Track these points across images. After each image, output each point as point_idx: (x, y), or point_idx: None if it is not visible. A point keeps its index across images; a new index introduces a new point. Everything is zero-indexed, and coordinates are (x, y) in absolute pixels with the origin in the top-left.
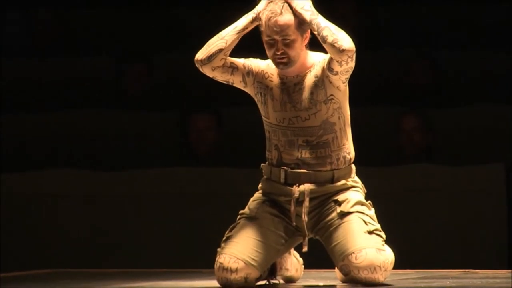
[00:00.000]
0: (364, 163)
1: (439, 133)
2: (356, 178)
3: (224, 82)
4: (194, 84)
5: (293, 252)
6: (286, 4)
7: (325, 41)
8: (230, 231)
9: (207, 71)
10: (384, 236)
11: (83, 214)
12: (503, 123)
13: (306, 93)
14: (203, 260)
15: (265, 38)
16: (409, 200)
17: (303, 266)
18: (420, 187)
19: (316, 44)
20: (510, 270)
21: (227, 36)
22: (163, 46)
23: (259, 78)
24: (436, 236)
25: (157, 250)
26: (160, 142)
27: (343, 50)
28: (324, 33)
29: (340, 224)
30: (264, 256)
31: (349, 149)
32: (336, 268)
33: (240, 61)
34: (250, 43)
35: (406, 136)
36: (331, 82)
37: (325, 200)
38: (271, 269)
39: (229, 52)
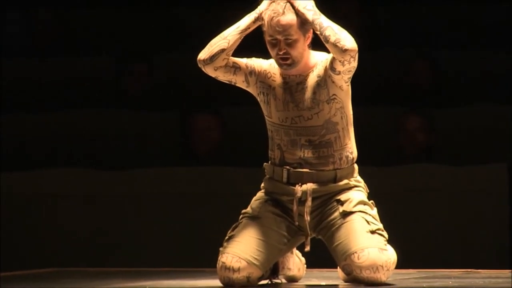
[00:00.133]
0: (365, 163)
1: (439, 133)
2: (359, 178)
3: (227, 82)
4: (194, 84)
5: (296, 251)
6: (288, 4)
7: (327, 41)
8: (233, 230)
9: (209, 71)
10: (386, 235)
11: (83, 214)
12: (503, 123)
13: (308, 93)
14: (203, 260)
15: (267, 38)
16: (410, 200)
17: (305, 265)
18: (421, 187)
19: (318, 43)
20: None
21: (230, 36)
22: (163, 46)
23: (261, 78)
24: (437, 236)
25: (157, 250)
26: (160, 142)
27: (346, 50)
28: (327, 32)
29: (342, 223)
30: (266, 256)
31: (351, 149)
32: (338, 267)
33: (243, 61)
34: (252, 43)
35: (409, 136)
36: (333, 82)
37: (327, 199)
38: (273, 269)
39: (231, 52)
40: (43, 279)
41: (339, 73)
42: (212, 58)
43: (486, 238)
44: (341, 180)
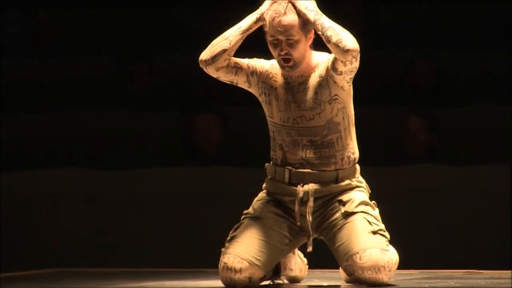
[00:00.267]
0: (366, 163)
1: (439, 133)
2: (361, 178)
3: (228, 83)
4: (194, 84)
5: (297, 252)
6: (290, 4)
7: (329, 41)
8: (234, 231)
9: (211, 71)
10: (388, 236)
11: (83, 214)
12: (503, 123)
13: (310, 93)
14: (203, 260)
15: (269, 39)
16: (411, 200)
17: (307, 266)
18: (422, 187)
19: (320, 44)
20: None
21: (231, 36)
22: (163, 46)
23: (263, 78)
24: (439, 237)
25: (157, 250)
26: (160, 142)
27: (348, 50)
28: (328, 33)
29: (344, 224)
30: (268, 256)
31: (353, 149)
32: (340, 268)
33: (244, 61)
34: (254, 43)
35: (411, 136)
36: (335, 82)
37: (329, 200)
38: (275, 269)
39: (233, 53)
40: (43, 280)
41: (341, 73)
42: (214, 59)
43: (487, 238)
44: (343, 181)
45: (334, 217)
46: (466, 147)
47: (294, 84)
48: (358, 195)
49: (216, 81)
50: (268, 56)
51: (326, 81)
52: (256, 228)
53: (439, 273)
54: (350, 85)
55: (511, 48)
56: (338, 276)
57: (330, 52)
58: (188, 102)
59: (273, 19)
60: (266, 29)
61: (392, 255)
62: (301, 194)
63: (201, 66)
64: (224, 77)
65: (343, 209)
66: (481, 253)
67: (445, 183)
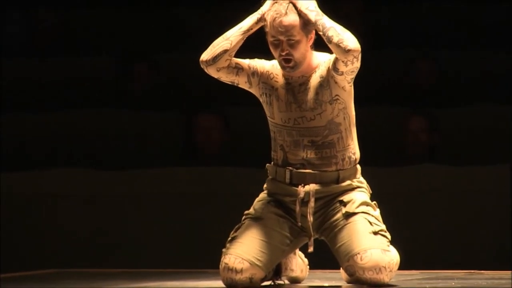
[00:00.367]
0: (367, 164)
1: (440, 133)
2: (361, 179)
3: (229, 83)
4: (194, 84)
5: (298, 252)
6: (291, 5)
7: (330, 42)
8: (235, 231)
9: (212, 72)
10: (389, 236)
11: (83, 214)
12: (503, 123)
13: (311, 94)
14: (203, 260)
15: (270, 39)
16: (412, 201)
17: (308, 266)
18: (423, 188)
19: (321, 44)
20: None
21: (232, 37)
22: (163, 46)
23: (264, 79)
24: (439, 237)
25: (157, 250)
26: (160, 142)
27: (349, 50)
28: (330, 33)
29: (345, 224)
30: (269, 257)
31: (354, 150)
32: (341, 268)
33: (245, 62)
34: (254, 44)
35: (411, 136)
36: (336, 82)
37: (330, 200)
38: (276, 270)
39: (234, 53)
40: (43, 280)
41: (342, 73)
42: (215, 59)
43: (487, 238)
44: (343, 181)
45: (335, 217)
46: (466, 147)
47: (295, 84)
48: (359, 195)
49: (216, 81)
50: (269, 57)
51: (327, 81)
52: (257, 229)
53: (440, 274)
54: (351, 86)
55: (511, 48)
56: (339, 276)
57: (331, 52)
58: (188, 102)
59: (274, 20)
60: (267, 29)
61: (393, 256)
62: (302, 195)
63: (202, 66)
64: (225, 77)
65: (344, 210)
66: (481, 253)
67: (445, 183)
